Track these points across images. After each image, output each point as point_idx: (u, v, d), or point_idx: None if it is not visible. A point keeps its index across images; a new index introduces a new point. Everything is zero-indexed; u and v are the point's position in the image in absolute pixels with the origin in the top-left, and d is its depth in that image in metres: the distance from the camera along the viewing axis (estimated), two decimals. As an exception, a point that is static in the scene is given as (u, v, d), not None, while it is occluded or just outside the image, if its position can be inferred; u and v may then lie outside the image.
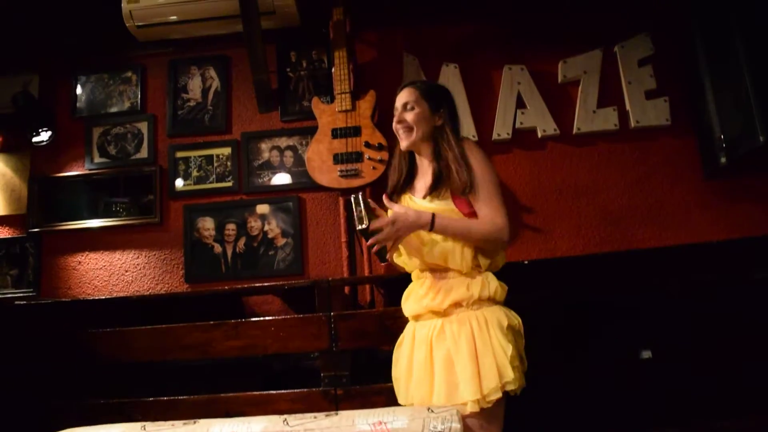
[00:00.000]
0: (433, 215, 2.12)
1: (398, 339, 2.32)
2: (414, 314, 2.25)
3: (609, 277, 3.03)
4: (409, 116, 2.27)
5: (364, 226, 2.12)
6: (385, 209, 2.23)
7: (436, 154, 2.26)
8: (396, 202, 2.26)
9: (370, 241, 2.12)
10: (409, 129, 2.27)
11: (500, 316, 2.09)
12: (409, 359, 2.20)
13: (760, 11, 3.10)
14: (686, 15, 3.50)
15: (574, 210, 3.57)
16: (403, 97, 2.30)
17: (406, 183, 2.37)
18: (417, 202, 2.26)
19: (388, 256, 2.21)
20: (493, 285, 2.14)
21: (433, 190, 2.21)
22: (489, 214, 2.13)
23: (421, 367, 2.13)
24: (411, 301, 2.27)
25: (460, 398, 1.99)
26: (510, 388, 1.99)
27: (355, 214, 2.15)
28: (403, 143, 2.30)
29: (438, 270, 2.21)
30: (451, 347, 2.07)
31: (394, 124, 2.32)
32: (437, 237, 2.16)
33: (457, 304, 2.12)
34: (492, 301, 2.14)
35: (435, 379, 2.08)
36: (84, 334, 2.84)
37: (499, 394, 1.98)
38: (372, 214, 2.15)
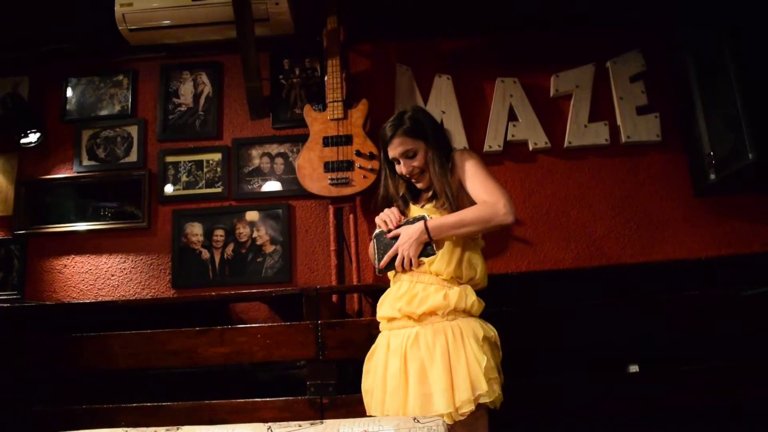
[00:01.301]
0: (425, 223, 2.13)
1: (369, 350, 2.27)
2: (388, 317, 2.21)
3: (597, 291, 3.03)
4: (416, 162, 2.28)
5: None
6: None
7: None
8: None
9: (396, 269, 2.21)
10: (421, 173, 2.30)
11: (476, 328, 2.07)
12: (384, 370, 2.14)
13: (750, 29, 3.13)
14: (677, 32, 3.53)
15: (564, 223, 3.58)
16: (398, 147, 2.28)
17: (411, 195, 2.39)
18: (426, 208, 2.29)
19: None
20: (470, 298, 2.12)
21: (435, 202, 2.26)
22: (482, 197, 2.14)
23: (395, 377, 2.09)
24: (386, 304, 2.24)
25: (434, 410, 1.95)
26: (484, 400, 1.95)
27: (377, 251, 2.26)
28: (420, 185, 2.33)
29: (417, 274, 2.18)
30: (425, 358, 2.04)
31: (403, 172, 2.31)
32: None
33: (433, 313, 2.10)
34: (467, 313, 2.12)
35: (409, 390, 2.04)
36: (68, 338, 2.81)
37: (472, 407, 1.94)
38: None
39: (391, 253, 2.19)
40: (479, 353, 2.00)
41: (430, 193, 2.33)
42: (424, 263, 2.17)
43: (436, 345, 2.04)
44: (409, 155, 2.28)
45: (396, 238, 2.20)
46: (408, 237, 2.16)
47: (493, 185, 2.16)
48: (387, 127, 2.32)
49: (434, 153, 2.27)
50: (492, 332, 2.12)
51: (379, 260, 2.25)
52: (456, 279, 2.16)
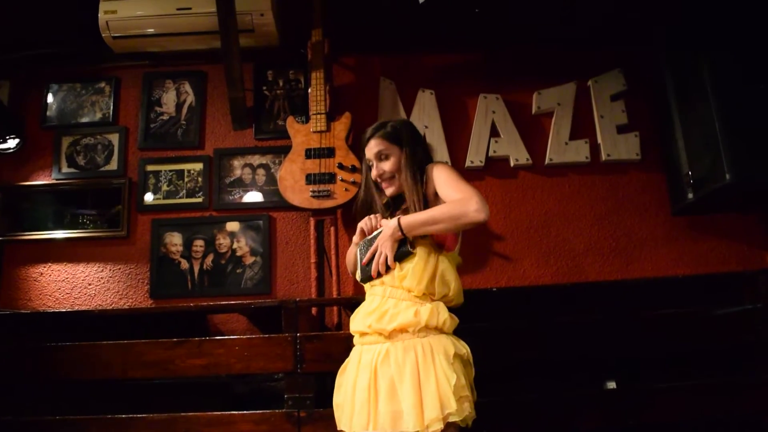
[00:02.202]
0: (398, 220, 2.14)
1: (342, 364, 2.26)
2: (359, 331, 2.19)
3: (576, 308, 3.05)
4: (387, 165, 2.29)
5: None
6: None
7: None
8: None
9: (373, 272, 2.19)
10: (391, 178, 2.31)
11: (447, 345, 2.05)
12: (354, 385, 2.12)
13: (729, 53, 3.18)
14: (657, 53, 3.58)
15: (544, 239, 3.60)
16: (373, 147, 2.31)
17: (391, 205, 2.38)
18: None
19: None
20: (443, 315, 2.10)
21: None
22: (454, 197, 2.12)
23: (364, 393, 2.06)
24: (358, 319, 2.22)
25: (403, 428, 1.94)
26: (453, 419, 1.93)
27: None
28: (389, 191, 2.33)
29: (391, 288, 2.17)
30: (395, 375, 2.02)
31: (373, 176, 2.33)
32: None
33: (403, 330, 2.07)
34: (439, 331, 2.10)
35: (379, 407, 2.01)
36: (43, 347, 2.76)
37: (441, 426, 1.91)
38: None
39: (371, 251, 2.19)
40: (449, 371, 1.98)
41: (405, 204, 2.32)
42: (399, 267, 2.15)
43: (406, 362, 2.02)
44: (381, 157, 2.30)
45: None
46: (383, 235, 2.16)
47: (464, 186, 2.15)
48: (368, 130, 2.36)
49: (408, 161, 2.27)
50: (464, 349, 2.10)
51: (360, 263, 2.25)
52: (428, 295, 2.13)
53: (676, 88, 3.43)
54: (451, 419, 1.93)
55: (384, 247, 2.16)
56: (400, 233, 2.13)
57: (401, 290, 2.14)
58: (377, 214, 2.33)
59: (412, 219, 2.14)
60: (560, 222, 3.63)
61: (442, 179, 2.20)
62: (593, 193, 3.67)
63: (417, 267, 2.13)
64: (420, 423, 1.92)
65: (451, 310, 2.17)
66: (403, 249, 2.15)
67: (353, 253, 2.39)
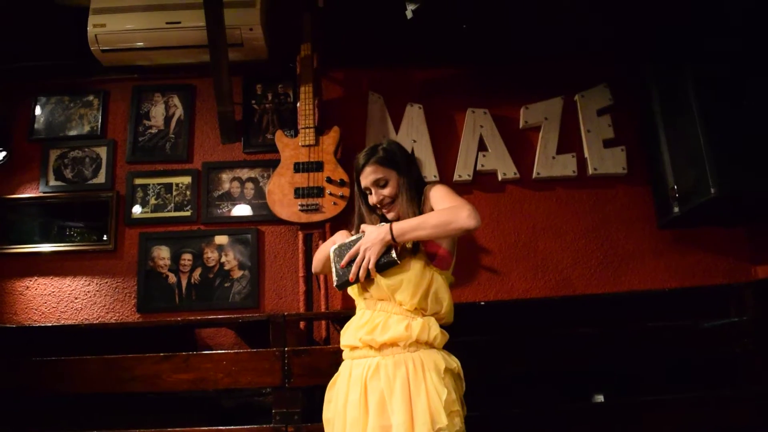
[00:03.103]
0: (390, 225, 2.13)
1: (332, 378, 2.26)
2: (350, 345, 2.20)
3: (564, 321, 3.06)
4: (387, 191, 2.29)
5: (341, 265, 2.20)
6: None
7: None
8: None
9: (351, 275, 2.15)
10: (391, 203, 2.30)
11: (437, 360, 2.06)
12: (345, 400, 2.12)
13: (712, 68, 3.22)
14: (643, 68, 3.62)
15: (532, 253, 3.62)
16: (369, 175, 2.30)
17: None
18: None
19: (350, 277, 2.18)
20: (434, 331, 2.11)
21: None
22: (446, 205, 2.14)
23: (354, 407, 2.06)
24: (349, 332, 2.23)
25: None
26: None
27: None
28: (391, 215, 2.31)
29: (382, 302, 2.18)
30: (385, 389, 2.03)
31: (372, 202, 2.32)
32: (394, 268, 2.15)
33: (394, 343, 2.08)
34: (430, 345, 2.10)
35: (369, 422, 2.01)
36: (29, 362, 2.75)
37: None
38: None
39: (351, 253, 2.15)
40: (440, 386, 1.99)
41: None
42: (382, 276, 2.15)
43: (397, 377, 2.03)
44: (380, 184, 2.29)
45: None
46: (371, 237, 2.14)
47: (458, 198, 2.17)
48: (360, 156, 2.34)
49: (405, 183, 2.28)
50: (455, 364, 2.11)
51: (336, 267, 2.21)
52: (420, 310, 2.14)
53: (661, 102, 3.47)
54: None
55: (369, 251, 2.12)
56: (389, 237, 2.11)
57: (393, 303, 2.15)
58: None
59: (403, 223, 2.13)
60: (548, 235, 3.64)
61: (438, 196, 2.21)
62: (580, 206, 3.69)
63: (411, 280, 2.13)
64: None
65: (441, 327, 2.17)
66: (389, 258, 2.11)
67: (324, 252, 2.37)
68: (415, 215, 2.20)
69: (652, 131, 3.53)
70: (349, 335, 2.22)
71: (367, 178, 2.31)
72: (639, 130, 3.71)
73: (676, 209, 3.36)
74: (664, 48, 3.47)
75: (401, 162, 2.31)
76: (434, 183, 2.34)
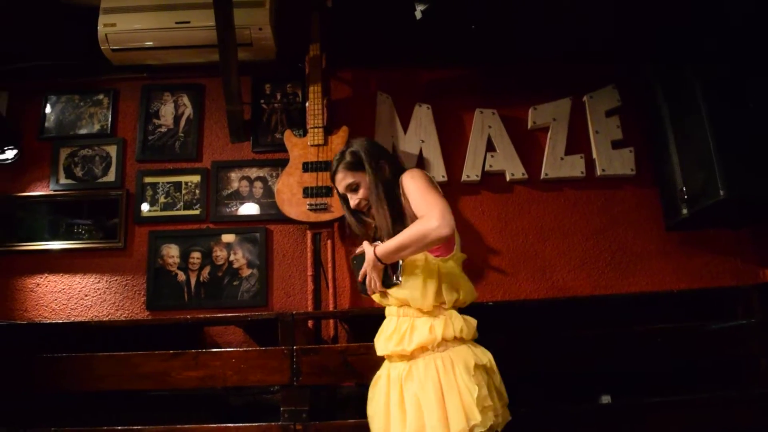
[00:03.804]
0: (374, 250, 2.15)
1: (374, 376, 2.30)
2: (383, 354, 2.25)
3: (571, 322, 3.07)
4: (361, 194, 2.31)
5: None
6: None
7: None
8: None
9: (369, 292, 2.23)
10: (368, 205, 2.32)
11: (467, 356, 2.07)
12: (386, 398, 2.17)
13: (721, 68, 3.22)
14: (651, 70, 3.61)
15: (540, 253, 3.62)
16: (341, 182, 2.34)
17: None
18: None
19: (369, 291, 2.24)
20: (457, 324, 2.12)
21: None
22: (419, 213, 2.11)
23: (396, 407, 2.12)
24: (380, 343, 2.27)
25: None
26: (479, 430, 1.95)
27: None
28: (372, 219, 2.34)
29: (404, 307, 2.21)
30: (419, 391, 2.06)
31: (352, 207, 2.36)
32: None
33: (423, 348, 2.11)
34: (459, 340, 2.12)
35: (407, 423, 2.05)
36: (39, 358, 2.77)
37: None
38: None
39: (362, 272, 2.21)
40: (470, 383, 2.00)
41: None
42: (390, 292, 2.20)
43: (428, 378, 2.06)
44: (353, 188, 2.33)
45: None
46: (366, 264, 2.18)
47: (429, 197, 2.11)
48: (332, 163, 2.38)
49: (373, 183, 2.27)
50: (485, 357, 2.12)
51: (357, 277, 2.27)
52: (440, 306, 2.16)
53: (669, 104, 3.47)
54: (477, 431, 1.96)
55: (371, 275, 2.18)
56: (379, 263, 2.15)
57: (411, 308, 2.18)
58: None
59: (385, 249, 2.13)
60: (556, 236, 3.65)
61: (410, 190, 2.18)
62: (588, 207, 3.69)
63: (417, 286, 2.15)
64: None
65: (464, 310, 2.20)
66: (389, 278, 2.17)
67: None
68: (385, 214, 2.22)
69: (661, 132, 3.53)
70: (381, 346, 2.26)
71: (339, 184, 2.35)
72: (647, 132, 3.71)
73: (685, 211, 3.35)
74: (667, 49, 3.47)
75: (369, 162, 2.30)
76: (408, 170, 2.27)
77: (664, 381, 2.94)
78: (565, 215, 3.68)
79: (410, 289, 2.16)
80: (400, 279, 2.15)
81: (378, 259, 2.14)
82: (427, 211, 2.07)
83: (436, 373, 2.05)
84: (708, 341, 2.84)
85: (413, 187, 2.18)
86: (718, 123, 3.10)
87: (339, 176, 2.34)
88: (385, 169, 2.32)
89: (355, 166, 2.31)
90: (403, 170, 2.30)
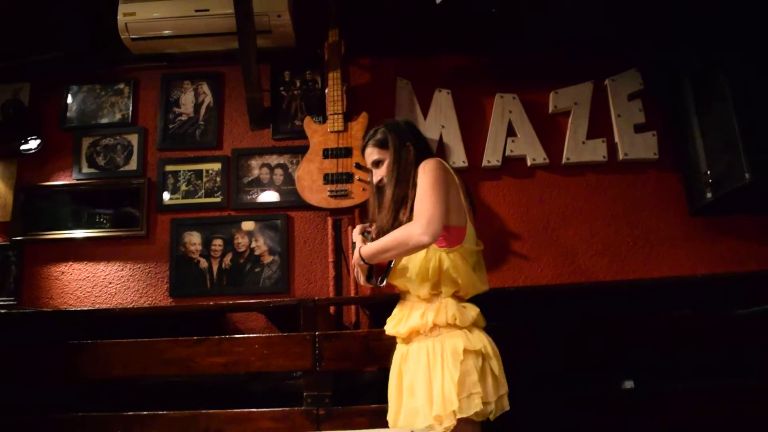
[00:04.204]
0: (359, 251, 2.24)
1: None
2: (389, 335, 2.32)
3: (593, 307, 3.04)
4: (383, 171, 2.36)
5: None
6: None
7: None
8: None
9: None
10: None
11: (457, 342, 2.07)
12: (396, 382, 2.24)
13: (746, 51, 3.17)
14: (675, 53, 3.56)
15: (561, 239, 3.60)
16: (368, 156, 2.41)
17: None
18: None
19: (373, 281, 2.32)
20: (450, 311, 2.12)
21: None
22: (415, 211, 2.14)
23: (395, 390, 2.22)
24: (387, 324, 2.33)
25: (419, 424, 2.02)
26: (460, 415, 1.96)
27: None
28: None
29: (406, 292, 2.28)
30: (413, 374, 2.13)
31: (375, 183, 2.40)
32: (402, 262, 2.22)
33: (416, 332, 2.17)
34: (453, 326, 2.12)
35: (403, 403, 2.14)
36: (64, 345, 2.79)
37: (452, 421, 1.96)
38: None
39: (351, 264, 2.34)
40: (453, 369, 2.01)
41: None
42: (389, 280, 2.27)
43: (419, 361, 2.11)
44: (378, 165, 2.38)
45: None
46: (354, 259, 2.29)
47: (426, 201, 2.12)
48: (364, 139, 2.45)
49: (391, 161, 2.32)
50: (480, 344, 2.09)
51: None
52: (437, 295, 2.20)
53: (693, 87, 3.42)
54: (460, 415, 1.96)
55: (356, 270, 2.31)
56: (364, 264, 2.24)
57: (413, 295, 2.24)
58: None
59: (369, 250, 2.21)
60: (577, 221, 3.62)
61: (419, 185, 2.19)
62: (610, 192, 3.66)
63: (415, 274, 2.19)
64: (430, 419, 2.00)
65: (471, 300, 2.22)
66: (372, 283, 2.30)
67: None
68: (391, 194, 2.26)
69: (684, 116, 3.48)
70: (387, 327, 2.32)
71: (367, 159, 2.42)
72: (671, 115, 3.66)
73: (709, 195, 3.31)
74: (696, 31, 3.41)
75: (393, 142, 2.34)
76: (426, 160, 2.25)
77: (688, 367, 2.91)
78: (586, 200, 3.65)
79: (408, 277, 2.21)
80: (384, 283, 2.24)
81: (362, 258, 2.22)
82: (417, 215, 2.11)
83: (426, 357, 2.10)
84: (733, 327, 2.80)
85: (421, 182, 2.19)
86: (743, 105, 3.05)
87: (367, 150, 2.40)
88: (410, 152, 2.33)
89: (382, 143, 2.36)
90: (427, 158, 2.31)
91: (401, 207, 2.23)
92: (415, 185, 2.23)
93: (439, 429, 1.97)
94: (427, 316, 2.14)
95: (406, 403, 2.11)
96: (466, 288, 2.20)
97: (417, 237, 2.06)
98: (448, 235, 2.17)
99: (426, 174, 2.19)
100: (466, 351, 2.05)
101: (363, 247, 2.22)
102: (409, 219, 2.17)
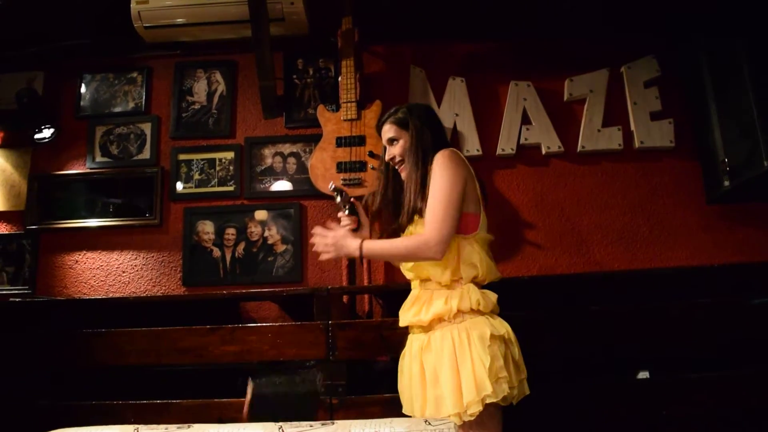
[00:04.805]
0: (362, 244, 2.21)
1: (402, 350, 2.32)
2: (404, 325, 2.29)
3: (608, 296, 3.02)
4: (396, 150, 2.36)
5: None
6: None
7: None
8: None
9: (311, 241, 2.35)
10: (401, 162, 2.37)
11: (483, 327, 2.08)
12: (409, 371, 2.22)
13: (766, 37, 3.12)
14: (692, 39, 3.52)
15: (576, 227, 3.57)
16: (385, 133, 2.40)
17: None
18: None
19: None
20: (474, 296, 2.13)
21: (407, 219, 2.27)
22: (426, 223, 2.14)
23: (416, 380, 2.17)
24: (402, 314, 2.30)
25: (445, 411, 2.00)
26: (491, 400, 1.97)
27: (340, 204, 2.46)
28: (403, 175, 2.38)
29: (424, 280, 2.25)
30: (436, 361, 2.10)
31: (386, 159, 2.40)
32: None
33: (439, 318, 2.14)
34: (476, 312, 2.12)
35: (426, 394, 2.11)
36: (79, 333, 2.81)
37: (480, 408, 1.97)
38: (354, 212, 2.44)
39: (330, 239, 2.28)
40: (484, 354, 2.01)
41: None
42: (409, 267, 2.28)
43: (444, 348, 2.09)
44: (393, 143, 2.38)
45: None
46: (342, 245, 2.26)
47: (438, 212, 2.13)
48: (383, 115, 2.45)
49: (413, 147, 2.31)
50: (503, 329, 2.12)
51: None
52: (457, 281, 2.18)
53: (712, 74, 3.37)
54: (488, 401, 1.97)
55: (330, 248, 2.27)
56: (358, 255, 2.23)
57: (433, 281, 2.21)
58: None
59: (373, 248, 2.23)
60: (593, 210, 3.59)
61: (433, 182, 2.19)
62: (626, 181, 3.62)
63: (437, 261, 2.17)
64: (459, 405, 1.99)
65: (487, 286, 2.21)
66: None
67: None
68: (417, 180, 2.25)
69: (702, 103, 3.43)
70: (402, 317, 2.29)
71: (384, 135, 2.41)
72: (688, 102, 3.62)
73: (726, 183, 3.27)
74: (716, 17, 3.35)
75: (414, 125, 2.34)
76: (442, 151, 2.25)
77: (705, 356, 2.89)
78: (602, 189, 3.61)
79: (430, 263, 2.18)
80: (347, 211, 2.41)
81: (361, 253, 2.22)
82: (432, 228, 2.12)
83: (451, 344, 2.08)
84: (751, 316, 2.77)
85: (437, 182, 2.18)
86: (764, 92, 3.00)
87: (385, 127, 2.40)
88: (429, 138, 2.33)
89: (402, 123, 2.36)
90: (443, 147, 2.30)
91: (422, 194, 2.23)
92: (429, 172, 2.23)
93: (465, 416, 1.98)
94: (451, 303, 2.12)
95: (430, 393, 2.08)
96: (484, 274, 2.20)
97: (431, 254, 2.12)
98: (466, 222, 2.19)
99: (443, 172, 2.18)
100: (492, 336, 2.06)
101: (366, 244, 2.22)
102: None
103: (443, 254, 2.12)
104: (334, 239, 2.27)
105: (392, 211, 2.41)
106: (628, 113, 3.66)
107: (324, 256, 2.30)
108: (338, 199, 2.46)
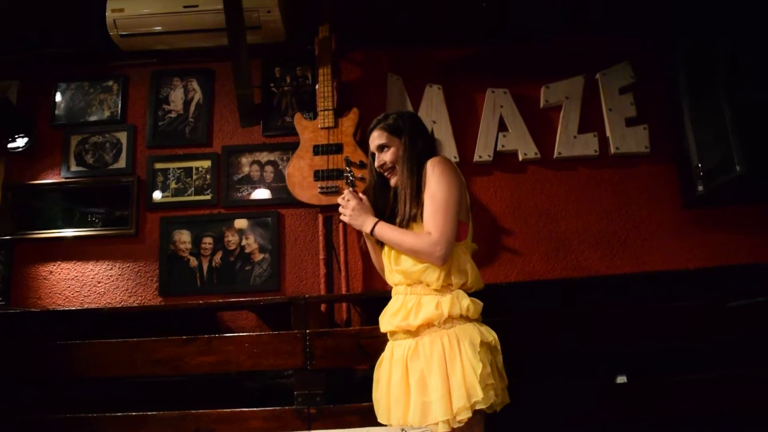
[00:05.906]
0: (376, 224, 2.25)
1: (378, 359, 2.30)
2: (389, 331, 2.25)
3: (586, 301, 3.04)
4: (387, 156, 2.33)
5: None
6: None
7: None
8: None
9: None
10: (391, 168, 2.34)
11: (473, 334, 2.08)
12: (388, 379, 2.19)
13: (740, 43, 3.15)
14: (667, 45, 3.56)
15: (553, 233, 3.59)
16: (375, 140, 2.36)
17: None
18: None
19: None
20: (464, 302, 2.13)
21: (404, 226, 2.25)
22: (428, 227, 2.14)
23: (397, 387, 2.13)
24: (385, 319, 2.27)
25: (433, 418, 1.99)
26: (480, 406, 1.97)
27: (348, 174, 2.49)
28: (392, 181, 2.35)
29: (411, 285, 2.22)
30: (424, 367, 2.07)
31: (375, 166, 2.37)
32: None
33: (429, 324, 2.12)
34: (465, 318, 2.12)
35: (411, 399, 2.07)
36: (53, 345, 2.77)
37: (469, 414, 1.96)
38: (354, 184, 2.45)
39: (350, 206, 2.32)
40: (474, 360, 2.01)
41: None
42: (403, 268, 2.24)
43: (434, 354, 2.07)
44: (383, 149, 2.34)
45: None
46: (355, 216, 2.32)
47: (444, 219, 2.13)
48: (373, 122, 2.41)
49: (405, 154, 2.29)
50: (491, 336, 2.12)
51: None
52: (447, 287, 2.17)
53: (686, 79, 3.41)
54: (478, 407, 1.97)
55: (347, 217, 2.34)
56: (368, 231, 2.27)
57: (421, 285, 2.19)
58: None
59: (384, 231, 2.24)
60: (569, 216, 3.61)
61: (430, 191, 2.18)
62: (602, 186, 3.65)
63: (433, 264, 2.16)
64: (449, 411, 1.97)
65: (472, 294, 2.20)
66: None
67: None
68: (412, 188, 2.23)
69: (677, 109, 3.47)
70: (386, 322, 2.26)
71: (373, 142, 2.37)
72: (662, 108, 3.65)
73: (701, 188, 3.31)
74: (689, 23, 3.40)
75: (407, 130, 2.33)
76: (434, 159, 2.25)
77: (682, 360, 2.91)
78: (578, 194, 3.64)
79: (427, 268, 2.17)
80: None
81: (372, 230, 2.25)
82: (437, 233, 2.11)
83: (441, 349, 2.06)
84: (726, 319, 2.80)
85: (435, 189, 2.17)
86: (736, 98, 3.03)
87: (375, 134, 2.36)
88: (419, 146, 2.32)
89: (393, 130, 2.33)
90: (433, 155, 2.31)
91: (416, 201, 2.22)
92: (422, 179, 2.23)
93: (453, 422, 1.97)
94: (442, 308, 2.11)
95: (416, 399, 2.06)
96: (472, 281, 2.20)
97: (435, 259, 2.12)
98: (459, 229, 2.19)
99: (442, 179, 2.18)
100: (481, 343, 2.06)
101: (379, 225, 2.25)
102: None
103: (446, 260, 2.12)
104: (357, 207, 2.31)
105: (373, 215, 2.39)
106: (603, 119, 3.69)
107: (342, 217, 2.35)
108: (348, 176, 2.48)
